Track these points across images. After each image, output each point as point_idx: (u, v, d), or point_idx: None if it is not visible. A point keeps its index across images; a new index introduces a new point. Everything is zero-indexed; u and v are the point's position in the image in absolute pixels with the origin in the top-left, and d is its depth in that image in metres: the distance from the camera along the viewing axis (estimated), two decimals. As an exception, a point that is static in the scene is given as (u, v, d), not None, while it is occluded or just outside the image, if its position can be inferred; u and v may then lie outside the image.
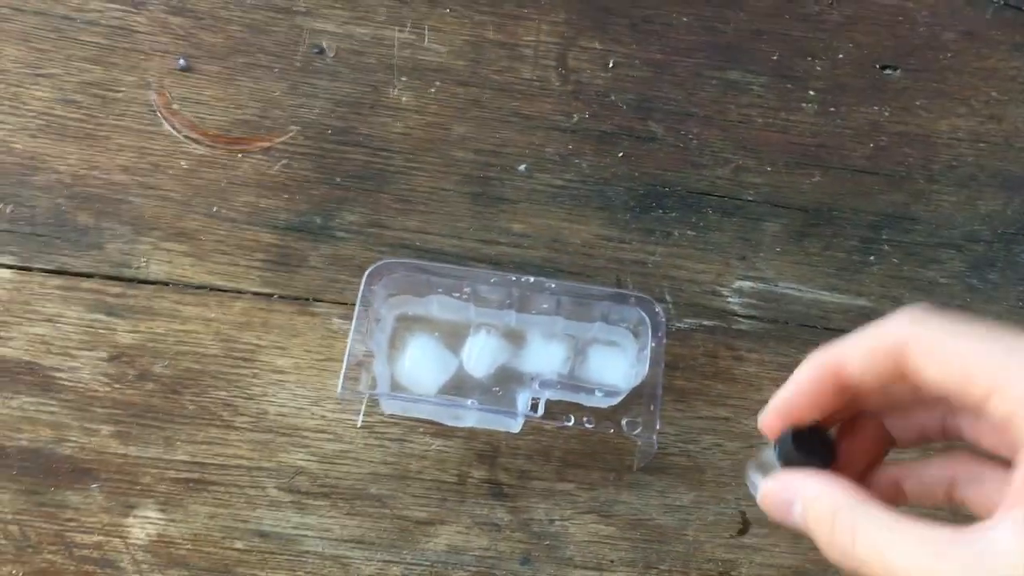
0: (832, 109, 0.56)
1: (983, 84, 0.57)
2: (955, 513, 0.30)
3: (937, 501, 0.32)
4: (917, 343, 0.28)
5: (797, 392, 0.31)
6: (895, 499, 0.32)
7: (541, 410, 0.43)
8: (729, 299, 0.51)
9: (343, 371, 0.43)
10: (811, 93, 0.56)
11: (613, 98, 0.55)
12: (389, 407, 0.46)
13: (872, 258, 0.53)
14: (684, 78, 0.56)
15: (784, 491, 0.30)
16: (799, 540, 0.46)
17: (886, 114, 0.56)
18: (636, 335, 0.47)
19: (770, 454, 0.32)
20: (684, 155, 0.54)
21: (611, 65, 0.56)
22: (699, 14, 0.58)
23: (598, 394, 0.44)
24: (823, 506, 0.28)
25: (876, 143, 0.55)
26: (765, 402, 0.48)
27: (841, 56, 0.58)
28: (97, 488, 0.45)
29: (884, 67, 0.58)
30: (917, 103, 0.57)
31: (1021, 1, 0.59)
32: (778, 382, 0.49)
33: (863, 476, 0.32)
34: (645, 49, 0.57)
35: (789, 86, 0.57)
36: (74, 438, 0.46)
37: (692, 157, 0.54)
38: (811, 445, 0.30)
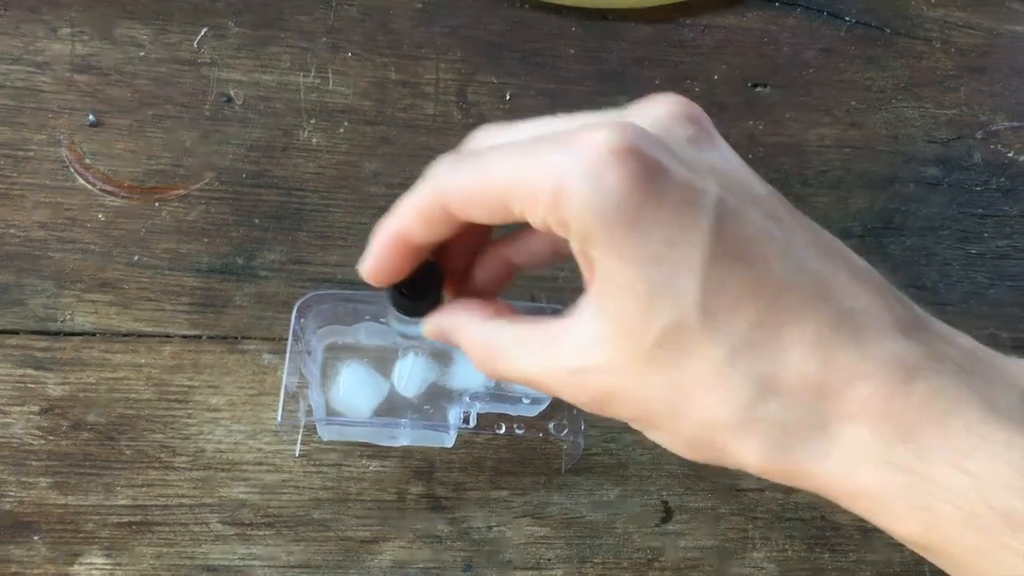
0: (713, 126, 0.61)
1: (842, 95, 0.63)
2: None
3: (545, 261, 0.34)
4: (449, 193, 0.29)
5: (379, 262, 0.32)
6: (506, 274, 0.35)
7: (473, 421, 0.46)
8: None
9: (280, 402, 0.45)
10: (693, 112, 0.61)
11: (512, 128, 0.59)
12: (327, 433, 0.48)
13: (760, 259, 0.57)
14: (577, 104, 0.60)
15: (438, 328, 0.34)
16: (719, 521, 0.50)
17: (760, 127, 0.61)
18: (554, 345, 0.50)
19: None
20: (582, 176, 0.58)
21: (508, 97, 0.60)
22: (584, 45, 0.62)
23: (524, 402, 0.47)
24: (465, 332, 0.32)
25: (754, 154, 0.60)
26: (676, 398, 0.53)
27: (716, 77, 0.63)
28: (39, 540, 0.46)
29: (755, 85, 0.63)
30: (787, 116, 0.62)
31: (871, 18, 0.66)
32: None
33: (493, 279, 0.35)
34: (538, 80, 0.61)
35: (672, 107, 0.61)
36: (12, 493, 0.46)
37: (590, 178, 0.58)
38: (420, 289, 0.34)
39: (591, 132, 0.26)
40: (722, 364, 0.26)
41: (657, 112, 0.29)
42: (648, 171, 0.26)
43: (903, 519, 0.27)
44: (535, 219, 0.27)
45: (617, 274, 0.26)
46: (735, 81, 0.63)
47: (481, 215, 0.29)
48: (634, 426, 0.30)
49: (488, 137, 0.31)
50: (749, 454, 0.28)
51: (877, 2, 0.67)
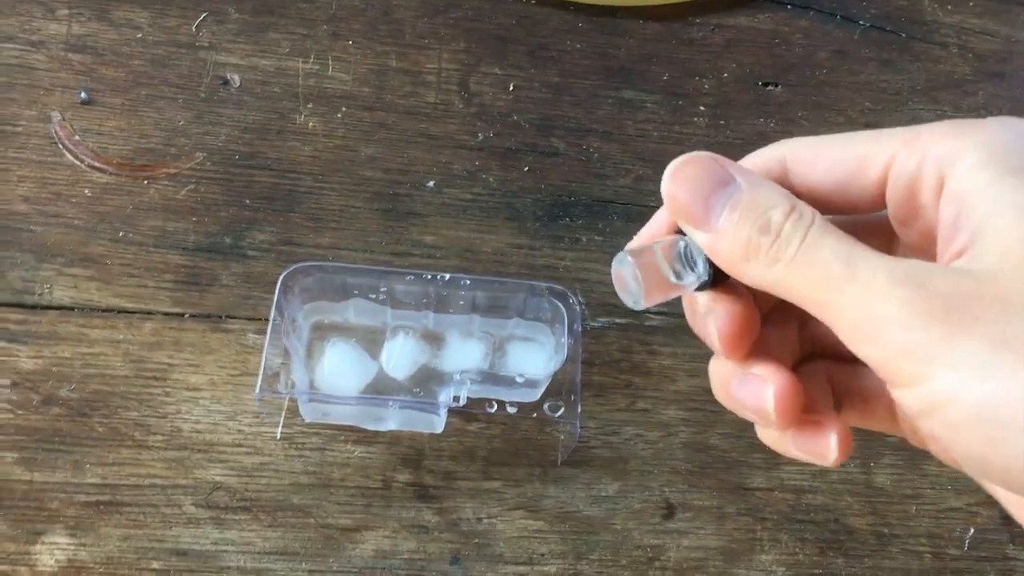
0: (722, 122, 0.59)
1: (857, 96, 0.62)
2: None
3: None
4: (796, 154, 0.26)
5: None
6: None
7: (463, 400, 0.43)
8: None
9: (260, 374, 0.43)
10: (701, 108, 0.60)
11: (515, 118, 0.57)
12: (309, 413, 0.45)
13: (771, 255, 0.55)
14: (582, 98, 0.59)
15: (722, 165, 0.25)
16: (724, 521, 0.47)
17: (771, 125, 0.60)
18: (552, 331, 0.47)
19: (669, 245, 0.26)
20: (587, 167, 0.56)
21: (511, 88, 0.58)
22: (591, 41, 0.61)
23: (519, 381, 0.44)
24: (777, 196, 0.24)
25: (765, 151, 0.58)
26: (682, 392, 0.50)
27: (726, 75, 0.61)
28: (1, 516, 0.43)
29: (766, 84, 0.61)
30: (799, 114, 0.60)
31: (885, 23, 0.64)
32: (691, 372, 0.50)
33: None
34: (543, 73, 0.59)
35: (680, 103, 0.60)
36: (-25, 467, 0.44)
37: (595, 169, 0.56)
38: None
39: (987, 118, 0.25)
40: None
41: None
42: None
43: None
44: (906, 163, 0.24)
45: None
46: (745, 79, 0.61)
47: (824, 166, 0.26)
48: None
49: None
50: None
51: (891, 7, 0.65)
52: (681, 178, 0.25)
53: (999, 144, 0.23)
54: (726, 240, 0.24)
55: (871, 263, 0.23)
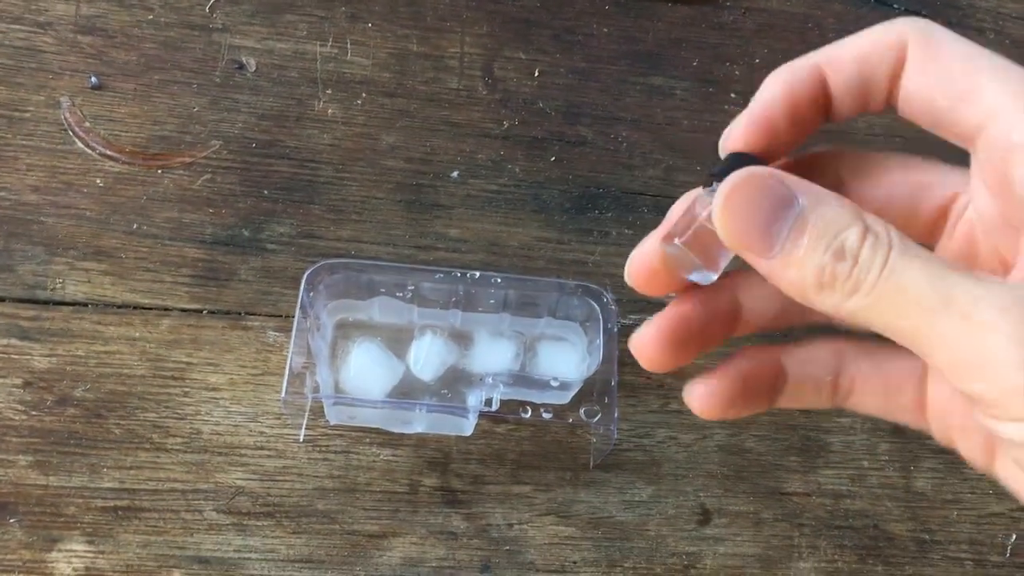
0: (754, 110, 0.57)
1: (892, 83, 0.60)
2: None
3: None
4: (919, 46, 0.24)
5: (769, 104, 0.25)
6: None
7: (496, 405, 0.41)
8: (672, 293, 0.50)
9: (285, 377, 0.41)
10: (732, 96, 0.58)
11: (541, 105, 0.55)
12: (334, 416, 0.44)
13: (805, 249, 0.53)
14: (609, 85, 0.57)
15: (782, 182, 0.22)
16: (761, 527, 0.46)
17: (805, 113, 0.58)
18: (585, 329, 0.46)
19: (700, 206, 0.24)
20: (615, 157, 0.54)
21: (537, 74, 0.56)
22: (618, 24, 0.59)
23: (552, 384, 0.43)
24: (847, 215, 0.22)
25: (798, 140, 0.57)
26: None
27: (757, 61, 0.59)
28: (16, 523, 0.41)
29: (799, 70, 0.59)
30: (833, 102, 0.58)
31: (920, 7, 0.62)
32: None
33: None
34: (569, 58, 0.57)
35: (711, 90, 0.58)
36: (-13, 471, 0.42)
37: (623, 159, 0.54)
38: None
39: None
40: None
41: None
42: None
43: None
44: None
45: None
46: (777, 65, 0.59)
47: (886, 184, 0.25)
48: None
49: None
50: None
51: (926, -10, 0.63)
52: (736, 203, 0.22)
53: None
54: (793, 270, 0.22)
55: (969, 289, 0.20)
